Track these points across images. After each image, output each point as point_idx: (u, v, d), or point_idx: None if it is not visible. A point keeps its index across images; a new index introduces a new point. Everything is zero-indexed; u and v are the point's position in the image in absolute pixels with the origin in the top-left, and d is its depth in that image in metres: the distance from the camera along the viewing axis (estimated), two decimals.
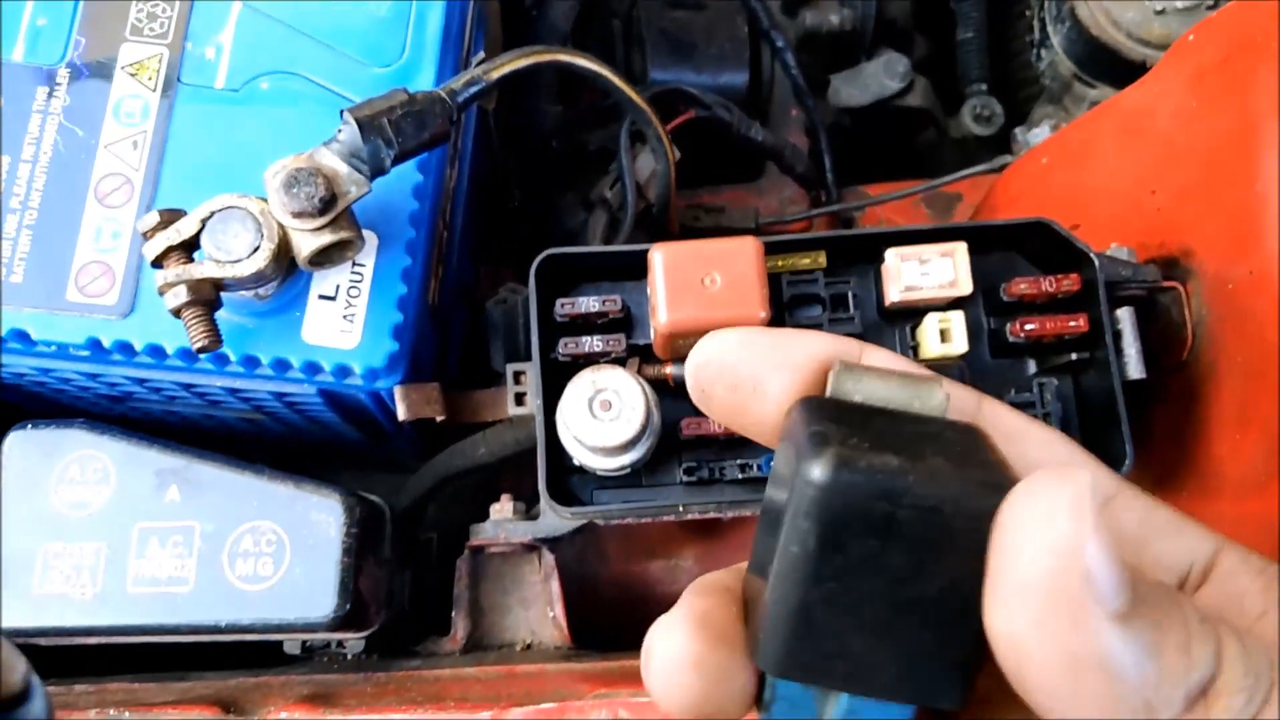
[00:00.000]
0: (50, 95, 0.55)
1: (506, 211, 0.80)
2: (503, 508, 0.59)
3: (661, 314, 0.47)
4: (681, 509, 0.51)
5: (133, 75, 0.56)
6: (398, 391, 0.54)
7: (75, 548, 0.54)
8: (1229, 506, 0.51)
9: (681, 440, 0.50)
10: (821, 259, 0.51)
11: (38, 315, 0.52)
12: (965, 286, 0.49)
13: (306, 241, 0.49)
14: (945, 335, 0.50)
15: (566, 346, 0.50)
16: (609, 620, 0.64)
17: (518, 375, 0.54)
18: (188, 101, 0.55)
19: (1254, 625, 0.26)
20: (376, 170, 0.50)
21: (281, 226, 0.49)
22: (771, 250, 0.50)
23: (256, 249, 0.49)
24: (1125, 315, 0.50)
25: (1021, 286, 0.49)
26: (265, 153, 0.51)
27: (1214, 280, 0.50)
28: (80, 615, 0.53)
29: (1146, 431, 0.54)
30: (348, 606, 0.53)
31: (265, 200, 0.50)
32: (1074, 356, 0.50)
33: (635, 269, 0.51)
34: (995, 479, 0.23)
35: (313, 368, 0.53)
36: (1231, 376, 0.49)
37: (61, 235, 0.53)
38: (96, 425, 0.56)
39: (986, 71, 0.93)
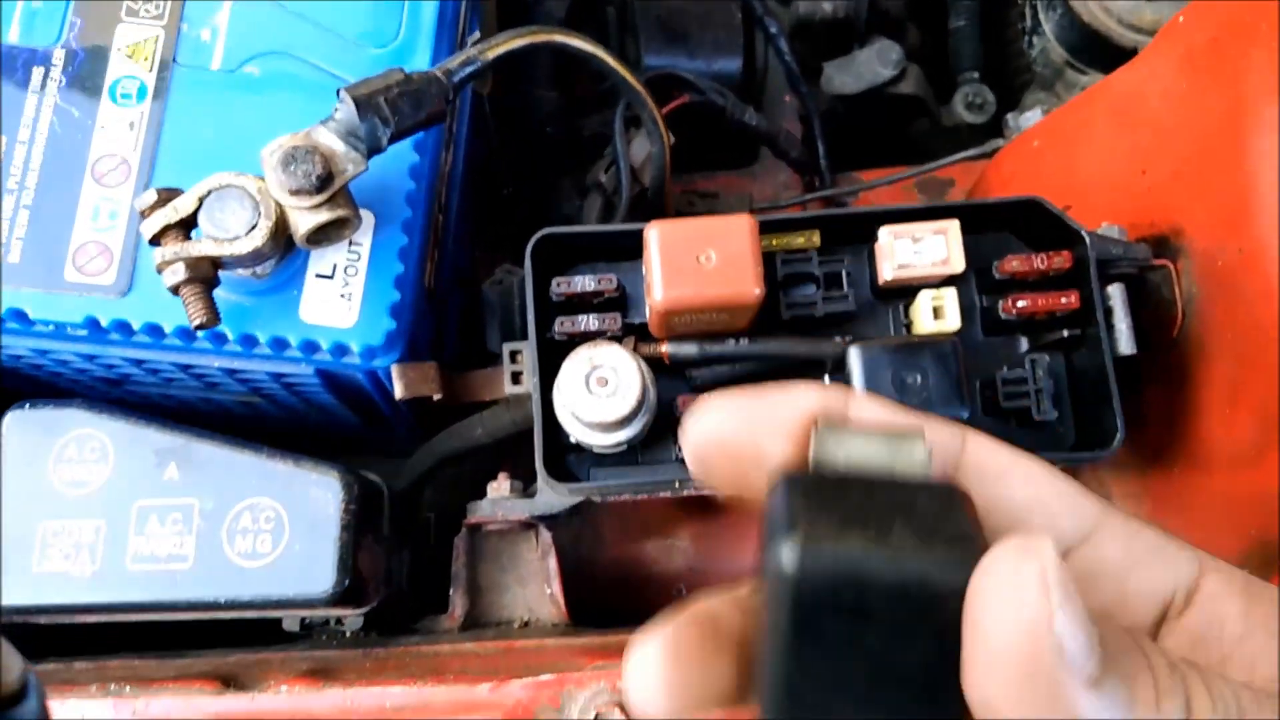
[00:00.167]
0: (46, 76, 0.55)
1: (502, 197, 0.80)
2: (500, 486, 0.59)
3: (657, 291, 0.47)
4: (678, 484, 0.51)
5: (129, 57, 0.56)
6: (395, 370, 0.55)
7: (74, 525, 0.54)
8: (1221, 481, 0.51)
9: (677, 418, 0.50)
10: (816, 238, 0.52)
11: (36, 295, 0.52)
12: (958, 264, 0.49)
13: (304, 219, 0.50)
14: (938, 312, 0.50)
15: (562, 325, 0.51)
16: (606, 600, 0.64)
17: (514, 354, 0.55)
18: (184, 83, 0.55)
19: (1233, 651, 0.27)
20: (373, 148, 0.51)
21: (279, 204, 0.50)
22: (766, 229, 0.50)
23: (254, 227, 0.49)
24: (1116, 292, 0.51)
25: (1014, 264, 0.50)
26: (261, 134, 0.51)
27: (1204, 258, 0.50)
28: (80, 592, 0.53)
29: (1138, 408, 0.55)
30: (346, 582, 0.53)
31: (262, 178, 0.50)
32: (1066, 333, 0.51)
33: (630, 249, 0.51)
34: (962, 554, 0.24)
35: (310, 346, 0.53)
36: (1222, 353, 0.50)
37: (59, 215, 0.53)
38: (94, 404, 0.56)
39: (979, 59, 0.93)
